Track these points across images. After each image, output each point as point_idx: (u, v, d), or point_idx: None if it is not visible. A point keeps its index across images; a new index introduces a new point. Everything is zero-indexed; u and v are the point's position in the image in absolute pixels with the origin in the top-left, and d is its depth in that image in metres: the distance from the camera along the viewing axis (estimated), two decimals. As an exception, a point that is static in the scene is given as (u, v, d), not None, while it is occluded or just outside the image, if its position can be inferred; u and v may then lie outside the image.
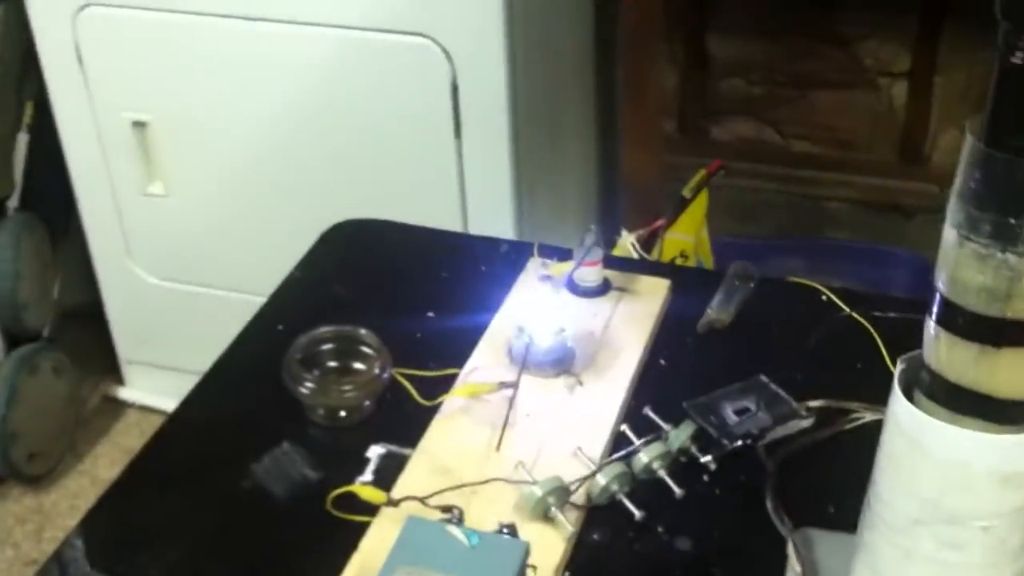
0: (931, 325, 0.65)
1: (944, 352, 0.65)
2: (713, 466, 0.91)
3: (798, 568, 0.81)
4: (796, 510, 0.87)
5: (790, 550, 0.83)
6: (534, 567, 0.79)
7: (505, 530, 0.77)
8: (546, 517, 0.85)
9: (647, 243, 1.82)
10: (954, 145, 2.20)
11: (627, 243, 1.77)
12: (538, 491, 0.84)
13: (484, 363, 1.02)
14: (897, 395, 0.67)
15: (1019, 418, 0.64)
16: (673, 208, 1.84)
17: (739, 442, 0.93)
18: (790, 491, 0.89)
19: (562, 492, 0.85)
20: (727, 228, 2.11)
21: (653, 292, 1.12)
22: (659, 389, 1.00)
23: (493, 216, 1.70)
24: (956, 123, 2.18)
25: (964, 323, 0.63)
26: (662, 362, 1.05)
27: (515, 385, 0.97)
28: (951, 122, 2.18)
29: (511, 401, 0.96)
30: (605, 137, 2.15)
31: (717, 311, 1.09)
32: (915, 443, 0.67)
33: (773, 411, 0.97)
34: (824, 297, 1.11)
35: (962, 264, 0.62)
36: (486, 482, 0.87)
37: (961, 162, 0.61)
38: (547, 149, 1.87)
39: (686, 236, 1.88)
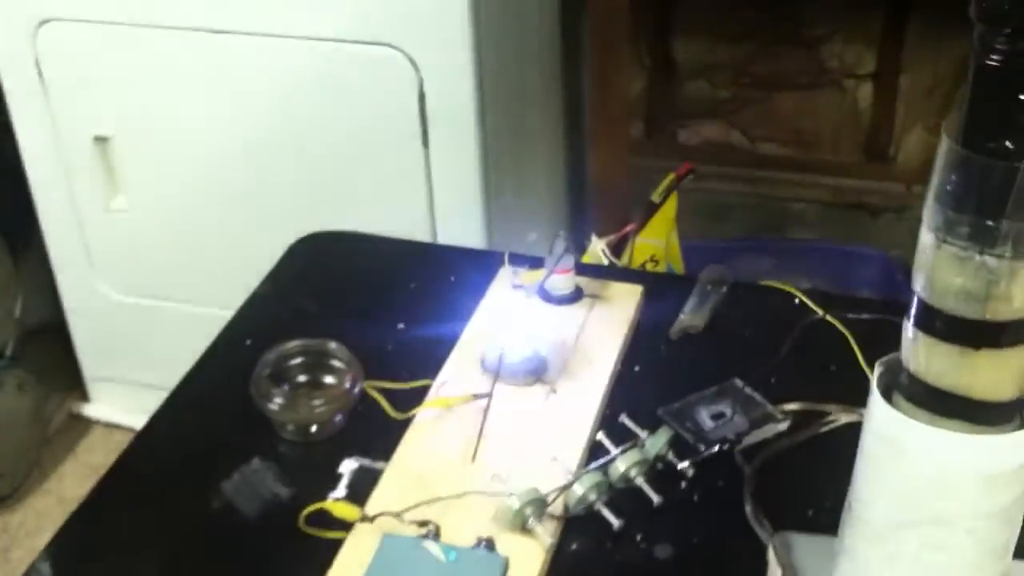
0: (909, 328, 0.65)
1: (923, 355, 0.64)
2: (690, 472, 0.91)
3: (779, 573, 0.80)
4: (775, 514, 0.86)
5: (770, 555, 0.82)
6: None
7: (483, 544, 0.76)
8: (524, 529, 0.84)
9: (617, 248, 1.81)
10: (919, 144, 2.22)
11: (597, 249, 1.77)
12: (515, 503, 0.83)
13: (457, 374, 1.01)
14: (876, 398, 0.67)
15: (1000, 419, 0.64)
16: (643, 213, 1.83)
17: (716, 447, 0.93)
18: (769, 495, 0.88)
19: (539, 503, 0.84)
20: (696, 230, 2.11)
21: (626, 298, 1.11)
22: (634, 396, 0.99)
23: (462, 225, 1.69)
24: (921, 122, 2.19)
25: (943, 325, 0.62)
26: (636, 368, 1.04)
27: (489, 396, 0.96)
28: (916, 121, 2.19)
29: (485, 412, 0.95)
30: (572, 142, 2.14)
31: (690, 316, 1.09)
32: (896, 446, 0.66)
33: (749, 415, 0.96)
34: (797, 300, 1.11)
35: (940, 267, 0.61)
36: (462, 495, 0.86)
37: (937, 164, 0.60)
38: (515, 156, 1.86)
39: (656, 240, 1.87)
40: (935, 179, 0.60)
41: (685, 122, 2.33)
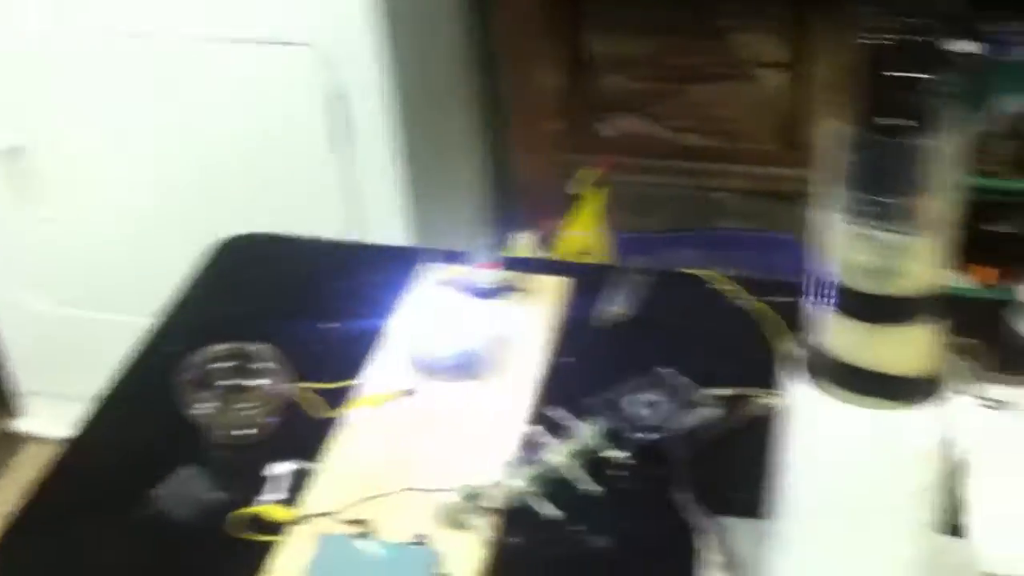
0: (820, 307, 0.66)
1: (835, 333, 0.65)
2: (625, 461, 0.91)
3: (715, 557, 0.81)
4: (710, 499, 0.87)
5: (705, 540, 0.83)
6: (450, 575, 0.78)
7: (417, 540, 0.76)
8: (461, 524, 0.84)
9: (545, 242, 1.82)
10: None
11: (525, 243, 1.77)
12: (451, 498, 0.83)
13: (385, 371, 1.00)
14: (793, 380, 0.68)
15: (914, 394, 0.65)
16: (568, 207, 1.84)
17: (648, 435, 0.94)
18: (702, 480, 0.89)
19: (476, 498, 0.85)
20: (625, 223, 2.12)
21: (553, 290, 1.11)
22: (565, 387, 1.00)
23: (387, 223, 1.68)
24: (836, 109, 2.22)
25: (850, 303, 0.64)
26: (567, 359, 1.04)
27: (418, 392, 0.96)
28: (826, 110, 2.23)
29: (415, 408, 0.95)
30: (496, 139, 2.14)
31: (618, 305, 1.09)
32: (815, 426, 0.67)
33: (679, 402, 0.97)
34: (721, 286, 1.12)
35: (845, 246, 0.63)
36: (397, 492, 0.85)
37: (834, 146, 0.62)
38: (438, 153, 1.86)
39: (585, 233, 1.89)
40: (834, 160, 0.62)
41: (607, 116, 2.33)
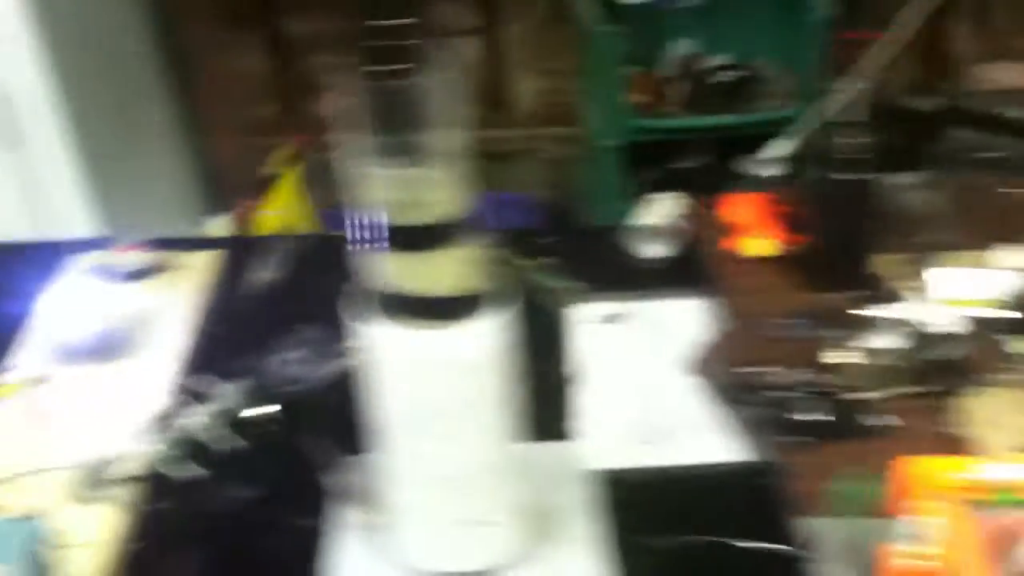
0: (368, 247, 0.71)
1: (384, 267, 0.70)
2: (268, 416, 0.95)
3: (346, 493, 0.86)
4: (343, 441, 0.91)
5: (335, 479, 0.87)
6: (69, 545, 0.80)
7: (28, 516, 0.78)
8: (90, 497, 0.85)
9: (243, 223, 1.84)
10: (531, 90, 2.35)
11: (221, 225, 1.78)
12: (84, 472, 0.85)
13: (26, 361, 1.01)
14: (357, 319, 0.73)
15: (460, 311, 0.71)
16: (262, 187, 1.86)
17: (290, 389, 0.98)
18: (336, 424, 0.93)
19: (106, 469, 0.87)
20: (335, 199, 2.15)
21: (203, 265, 1.14)
22: (212, 356, 1.03)
23: (73, 218, 1.66)
24: (528, 70, 2.32)
25: (390, 237, 0.69)
26: (215, 329, 1.07)
27: (56, 377, 0.97)
28: (523, 70, 2.32)
29: (54, 393, 0.96)
30: (196, 127, 2.14)
31: (265, 272, 1.13)
32: (383, 355, 0.72)
33: (322, 355, 1.02)
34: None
35: (373, 186, 0.68)
36: (23, 475, 0.86)
37: (345, 97, 0.67)
38: (130, 145, 1.84)
39: (284, 211, 1.91)
40: (348, 110, 0.66)
41: (311, 94, 2.36)
